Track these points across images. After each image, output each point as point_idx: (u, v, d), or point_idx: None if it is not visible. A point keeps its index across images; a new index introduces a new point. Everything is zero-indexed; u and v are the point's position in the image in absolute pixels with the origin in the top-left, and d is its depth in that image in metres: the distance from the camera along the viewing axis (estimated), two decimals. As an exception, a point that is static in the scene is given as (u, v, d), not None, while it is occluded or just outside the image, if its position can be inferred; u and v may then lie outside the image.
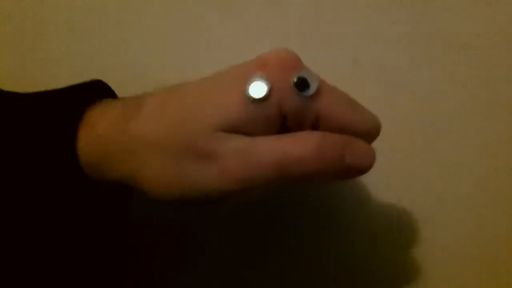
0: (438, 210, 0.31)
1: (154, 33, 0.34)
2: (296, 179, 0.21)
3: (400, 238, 0.31)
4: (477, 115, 0.32)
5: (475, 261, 0.31)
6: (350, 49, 0.34)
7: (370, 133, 0.22)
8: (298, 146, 0.20)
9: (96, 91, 0.24)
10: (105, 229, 0.25)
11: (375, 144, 0.31)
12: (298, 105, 0.21)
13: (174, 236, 0.31)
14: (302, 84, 0.20)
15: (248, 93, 0.20)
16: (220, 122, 0.20)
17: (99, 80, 0.25)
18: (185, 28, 0.34)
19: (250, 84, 0.20)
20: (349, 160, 0.21)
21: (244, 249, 0.31)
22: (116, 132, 0.22)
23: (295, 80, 0.20)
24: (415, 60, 0.33)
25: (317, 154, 0.20)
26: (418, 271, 0.31)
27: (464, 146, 0.32)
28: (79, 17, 0.34)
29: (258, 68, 0.21)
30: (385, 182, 0.31)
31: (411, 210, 0.31)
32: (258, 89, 0.20)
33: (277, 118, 0.21)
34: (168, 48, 0.34)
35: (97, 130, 0.22)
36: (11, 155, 0.22)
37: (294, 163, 0.20)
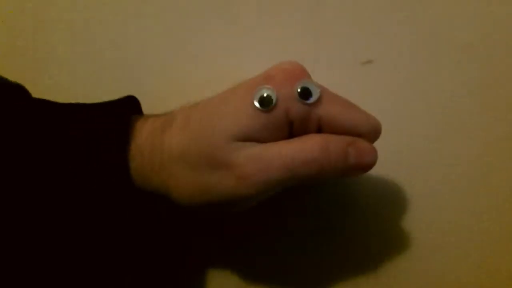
0: (438, 210, 0.31)
1: (154, 34, 0.34)
2: (306, 178, 0.22)
3: (400, 238, 0.31)
4: (477, 115, 0.33)
5: (475, 261, 0.31)
6: (350, 49, 0.34)
7: (370, 133, 0.24)
8: (305, 148, 0.22)
9: (136, 107, 0.27)
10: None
11: (376, 142, 0.31)
12: (303, 112, 0.23)
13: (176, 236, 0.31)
14: (305, 93, 0.22)
15: (257, 104, 0.22)
16: (234, 132, 0.22)
17: (134, 96, 0.27)
18: (185, 29, 0.34)
19: (258, 96, 0.22)
20: (353, 158, 0.23)
21: (245, 250, 0.31)
22: (153, 144, 0.24)
23: (299, 89, 0.22)
24: (415, 60, 0.33)
25: (323, 154, 0.22)
26: (417, 272, 0.31)
27: (464, 146, 0.32)
28: (79, 18, 0.35)
29: (265, 81, 0.23)
30: (386, 181, 0.32)
31: (411, 210, 0.31)
32: (266, 99, 0.22)
33: (285, 125, 0.23)
34: (168, 49, 0.34)
35: (138, 141, 0.24)
36: (68, 161, 0.23)
37: (303, 164, 0.22)
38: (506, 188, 0.32)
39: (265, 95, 0.22)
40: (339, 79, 0.33)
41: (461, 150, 0.32)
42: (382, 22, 0.34)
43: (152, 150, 0.24)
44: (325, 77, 0.33)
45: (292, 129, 0.23)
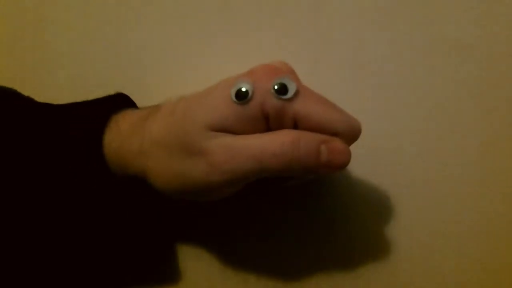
0: (437, 211, 0.31)
1: (154, 35, 0.35)
2: (276, 171, 0.23)
3: (398, 240, 0.31)
4: (477, 115, 0.32)
5: (474, 262, 0.31)
6: (349, 49, 0.34)
7: (347, 133, 0.24)
8: (275, 142, 0.23)
9: (120, 101, 0.28)
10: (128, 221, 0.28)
11: (377, 142, 0.32)
12: (277, 107, 0.23)
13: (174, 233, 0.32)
14: (282, 89, 0.23)
15: (234, 96, 0.23)
16: (209, 122, 0.23)
17: (123, 93, 0.29)
18: (185, 31, 0.35)
19: (236, 89, 0.23)
20: (325, 156, 0.23)
21: (243, 247, 0.32)
22: (135, 130, 0.25)
23: (276, 85, 0.23)
24: (415, 60, 0.33)
25: (292, 148, 0.22)
26: (417, 273, 0.31)
27: (464, 146, 0.32)
28: (80, 18, 0.35)
29: (246, 76, 0.24)
30: (385, 181, 0.32)
31: (411, 211, 0.31)
32: (242, 92, 0.23)
33: (261, 118, 0.23)
34: (168, 50, 0.35)
35: (121, 129, 0.26)
36: (49, 154, 0.25)
37: (271, 156, 0.22)
38: (507, 188, 0.31)
39: (242, 89, 0.23)
40: (338, 79, 0.33)
41: (461, 150, 0.32)
42: (382, 22, 0.34)
43: (133, 134, 0.25)
44: (324, 77, 0.33)
45: (269, 124, 0.24)
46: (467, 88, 0.33)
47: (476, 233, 0.31)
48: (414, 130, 0.32)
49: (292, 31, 0.34)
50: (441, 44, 0.33)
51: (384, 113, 0.33)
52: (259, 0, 0.35)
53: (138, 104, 0.29)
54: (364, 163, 0.32)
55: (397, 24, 0.34)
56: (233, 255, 0.32)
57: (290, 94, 0.23)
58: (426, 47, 0.33)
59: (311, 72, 0.33)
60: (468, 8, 0.33)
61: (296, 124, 0.24)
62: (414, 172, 0.32)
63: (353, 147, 0.24)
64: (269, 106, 0.23)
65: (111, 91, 0.29)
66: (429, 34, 0.33)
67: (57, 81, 0.34)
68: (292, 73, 0.25)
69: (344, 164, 0.23)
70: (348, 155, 0.23)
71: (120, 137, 0.25)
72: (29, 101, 0.27)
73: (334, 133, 0.23)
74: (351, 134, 0.24)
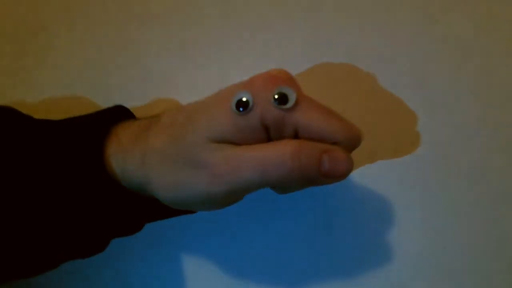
0: (436, 211, 0.32)
1: (154, 36, 0.35)
2: (278, 181, 0.23)
3: (398, 240, 0.31)
4: (477, 115, 0.32)
5: (476, 263, 0.31)
6: (349, 49, 0.34)
7: (348, 141, 0.24)
8: (277, 152, 0.23)
9: (119, 113, 0.28)
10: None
11: (377, 143, 0.32)
12: (277, 117, 0.23)
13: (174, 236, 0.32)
14: (282, 98, 0.23)
15: (234, 107, 0.23)
16: (210, 134, 0.23)
17: (121, 105, 0.29)
18: (185, 32, 0.35)
19: (235, 100, 0.23)
20: (327, 166, 0.23)
21: (242, 248, 0.32)
22: (136, 141, 0.25)
23: (275, 95, 0.23)
24: (415, 61, 0.33)
25: (294, 158, 0.22)
26: (418, 275, 0.31)
27: (464, 145, 0.32)
28: (80, 19, 0.35)
29: (245, 86, 0.23)
30: (385, 181, 0.32)
31: (410, 211, 0.32)
32: (242, 103, 0.23)
33: (261, 129, 0.23)
34: (168, 51, 0.35)
35: (122, 140, 0.26)
36: (48, 168, 0.26)
37: (273, 168, 0.22)
38: (507, 188, 0.31)
39: (243, 99, 0.23)
40: (337, 78, 0.33)
41: (460, 150, 0.32)
42: (381, 22, 0.34)
43: (135, 146, 0.25)
44: (323, 77, 0.33)
45: (270, 133, 0.24)
46: (467, 88, 0.33)
47: (476, 233, 0.31)
48: (413, 130, 0.32)
49: (291, 32, 0.34)
50: (441, 44, 0.33)
51: (383, 113, 0.33)
52: (258, 2, 0.35)
53: (139, 112, 0.29)
54: (364, 163, 0.32)
55: (397, 24, 0.34)
56: (232, 258, 0.32)
57: (290, 103, 0.23)
58: (426, 47, 0.33)
59: (309, 73, 0.33)
60: (468, 8, 0.33)
61: (297, 133, 0.23)
62: (414, 171, 0.32)
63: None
64: (270, 116, 0.23)
65: (110, 94, 0.29)
66: (429, 34, 0.33)
67: (57, 82, 0.34)
68: (291, 80, 0.24)
69: (346, 174, 0.23)
70: (350, 164, 0.23)
71: (122, 150, 0.26)
72: (27, 118, 0.28)
73: (335, 142, 0.23)
74: (352, 143, 0.24)
